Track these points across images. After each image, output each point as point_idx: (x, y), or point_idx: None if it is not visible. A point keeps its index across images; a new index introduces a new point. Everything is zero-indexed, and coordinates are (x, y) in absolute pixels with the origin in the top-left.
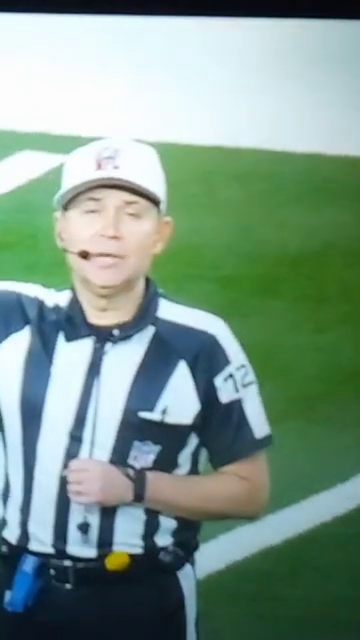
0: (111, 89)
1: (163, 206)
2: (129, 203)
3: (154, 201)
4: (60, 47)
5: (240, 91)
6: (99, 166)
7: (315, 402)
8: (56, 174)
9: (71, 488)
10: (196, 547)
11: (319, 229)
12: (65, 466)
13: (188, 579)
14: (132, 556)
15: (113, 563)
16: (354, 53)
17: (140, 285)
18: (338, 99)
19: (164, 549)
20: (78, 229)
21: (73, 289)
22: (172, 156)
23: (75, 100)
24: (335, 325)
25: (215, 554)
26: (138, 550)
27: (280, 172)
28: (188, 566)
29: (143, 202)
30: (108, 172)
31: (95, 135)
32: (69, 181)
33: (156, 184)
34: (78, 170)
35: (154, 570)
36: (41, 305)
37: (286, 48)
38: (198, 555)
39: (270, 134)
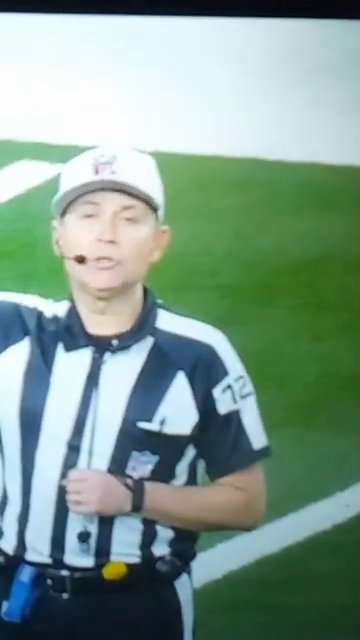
0: (110, 96)
1: (161, 213)
2: (126, 208)
3: (152, 206)
4: (59, 52)
5: (238, 99)
6: (97, 171)
7: (314, 409)
8: (55, 183)
9: (70, 498)
10: (193, 557)
11: (318, 237)
12: (63, 476)
13: (185, 589)
14: (129, 566)
15: (110, 573)
16: (352, 61)
17: (138, 293)
18: (336, 106)
19: (161, 559)
20: (75, 234)
21: (71, 299)
22: (171, 165)
23: (73, 109)
24: (334, 333)
25: (213, 563)
26: (135, 560)
27: (278, 180)
28: (185, 576)
29: (140, 207)
30: (105, 176)
31: (94, 144)
32: (66, 185)
33: (153, 189)
34: (75, 174)
35: (151, 580)
36: (40, 316)
37: (284, 54)
38: (196, 564)
39: (268, 142)
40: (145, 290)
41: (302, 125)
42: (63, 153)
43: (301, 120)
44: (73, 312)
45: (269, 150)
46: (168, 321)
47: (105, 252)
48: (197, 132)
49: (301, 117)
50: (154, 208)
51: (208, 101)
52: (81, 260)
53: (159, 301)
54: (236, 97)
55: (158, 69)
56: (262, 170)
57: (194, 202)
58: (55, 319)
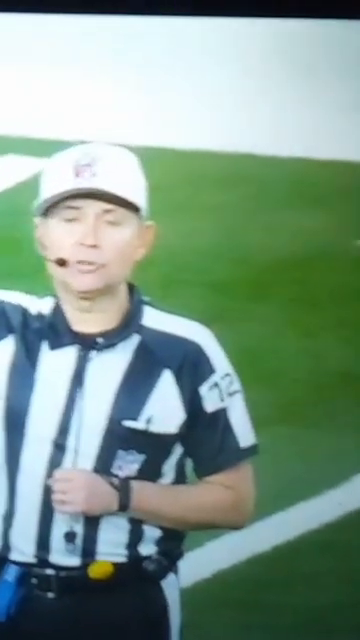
0: (97, 93)
1: (144, 212)
2: (108, 211)
3: (134, 208)
4: (48, 47)
5: (227, 96)
6: (77, 174)
7: (304, 407)
8: (39, 180)
9: (56, 497)
10: (180, 556)
11: (308, 233)
12: (49, 475)
13: (172, 588)
14: (115, 565)
15: (96, 572)
16: (343, 56)
17: (123, 291)
18: (325, 102)
19: (148, 558)
20: (58, 237)
21: (56, 296)
22: (159, 160)
23: (60, 104)
24: (325, 329)
25: (202, 562)
26: (122, 559)
27: (268, 176)
28: (172, 575)
29: (122, 209)
30: (86, 181)
31: (80, 139)
32: (47, 189)
33: (135, 192)
34: (56, 178)
35: (138, 579)
36: (24, 312)
37: (272, 53)
38: (185, 563)
39: (258, 138)
40: (131, 287)
41: (291, 120)
42: (49, 148)
43: (290, 115)
44: (58, 309)
45: (258, 145)
46: (154, 318)
47: (87, 256)
48: (185, 127)
49: (290, 112)
50: (136, 209)
51: (196, 97)
52: (62, 263)
53: (145, 298)
54: (224, 93)
55: (139, 71)
56: (251, 166)
57: (183, 198)
58: (40, 316)
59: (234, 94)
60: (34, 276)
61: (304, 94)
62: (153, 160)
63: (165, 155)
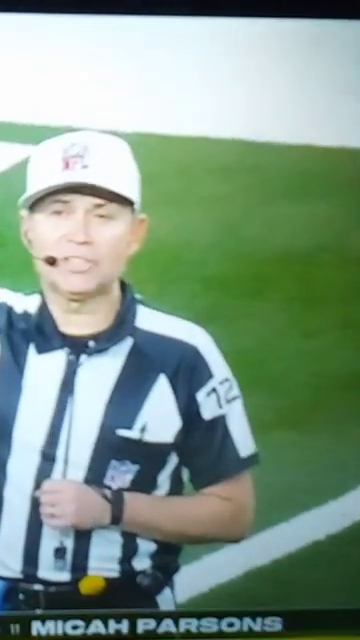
0: (84, 74)
1: (137, 206)
2: (99, 205)
3: (127, 202)
4: (31, 33)
5: (223, 79)
6: (67, 165)
7: (307, 412)
8: (25, 167)
9: (44, 511)
10: (176, 570)
11: (309, 225)
12: (37, 486)
13: (167, 603)
14: (108, 580)
15: (87, 587)
16: (344, 44)
17: (115, 290)
18: (327, 87)
19: (142, 572)
20: (45, 232)
21: (42, 293)
22: (150, 148)
23: (44, 86)
24: (327, 329)
25: (200, 576)
26: (114, 574)
27: (266, 164)
28: (167, 590)
29: (114, 203)
30: (76, 173)
31: (67, 125)
32: (34, 182)
33: (128, 184)
34: (44, 169)
35: (131, 594)
36: (10, 311)
37: (271, 34)
38: (182, 577)
39: (255, 124)
40: (123, 285)
41: (291, 106)
42: (34, 134)
43: (290, 101)
44: (44, 309)
45: (255, 132)
46: (148, 319)
47: (78, 253)
48: (177, 113)
49: (290, 97)
50: (130, 202)
51: (190, 81)
52: (52, 262)
53: (138, 296)
54: (219, 77)
55: (131, 48)
56: (248, 154)
57: (176, 189)
58: (26, 315)
59: (217, 81)
60: (20, 271)
61: (307, 81)
62: (144, 148)
63: (157, 142)
